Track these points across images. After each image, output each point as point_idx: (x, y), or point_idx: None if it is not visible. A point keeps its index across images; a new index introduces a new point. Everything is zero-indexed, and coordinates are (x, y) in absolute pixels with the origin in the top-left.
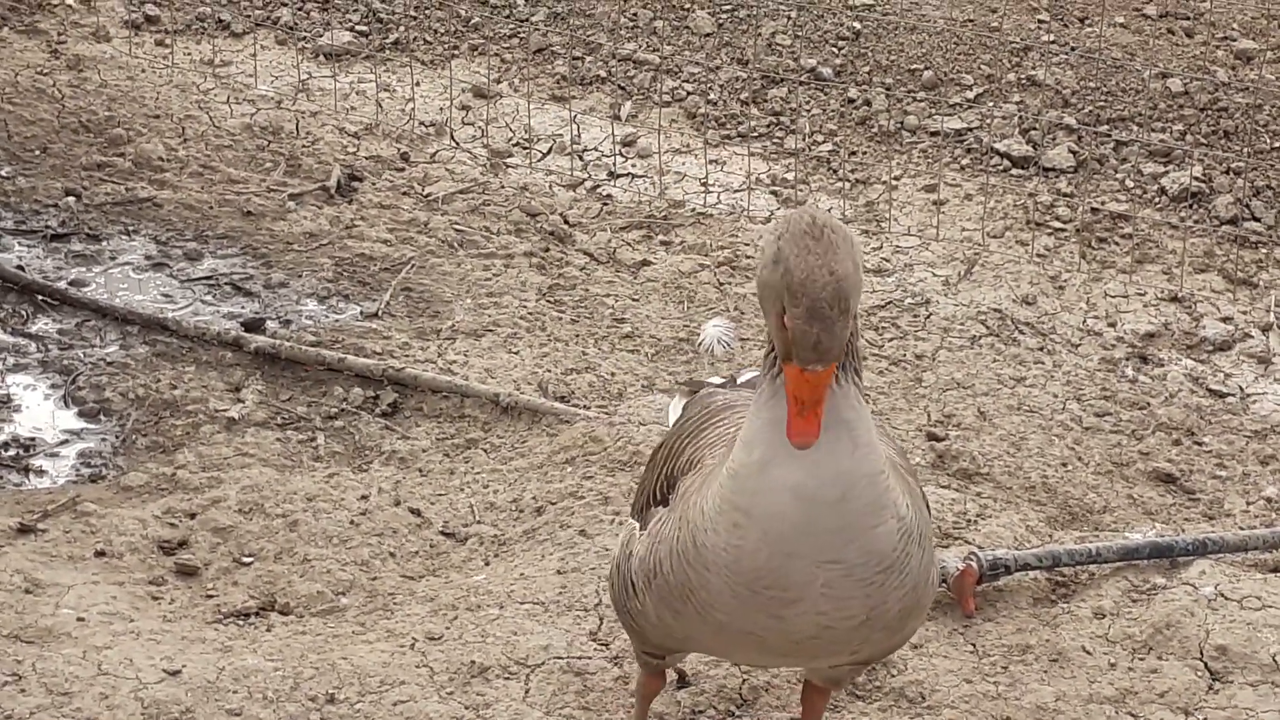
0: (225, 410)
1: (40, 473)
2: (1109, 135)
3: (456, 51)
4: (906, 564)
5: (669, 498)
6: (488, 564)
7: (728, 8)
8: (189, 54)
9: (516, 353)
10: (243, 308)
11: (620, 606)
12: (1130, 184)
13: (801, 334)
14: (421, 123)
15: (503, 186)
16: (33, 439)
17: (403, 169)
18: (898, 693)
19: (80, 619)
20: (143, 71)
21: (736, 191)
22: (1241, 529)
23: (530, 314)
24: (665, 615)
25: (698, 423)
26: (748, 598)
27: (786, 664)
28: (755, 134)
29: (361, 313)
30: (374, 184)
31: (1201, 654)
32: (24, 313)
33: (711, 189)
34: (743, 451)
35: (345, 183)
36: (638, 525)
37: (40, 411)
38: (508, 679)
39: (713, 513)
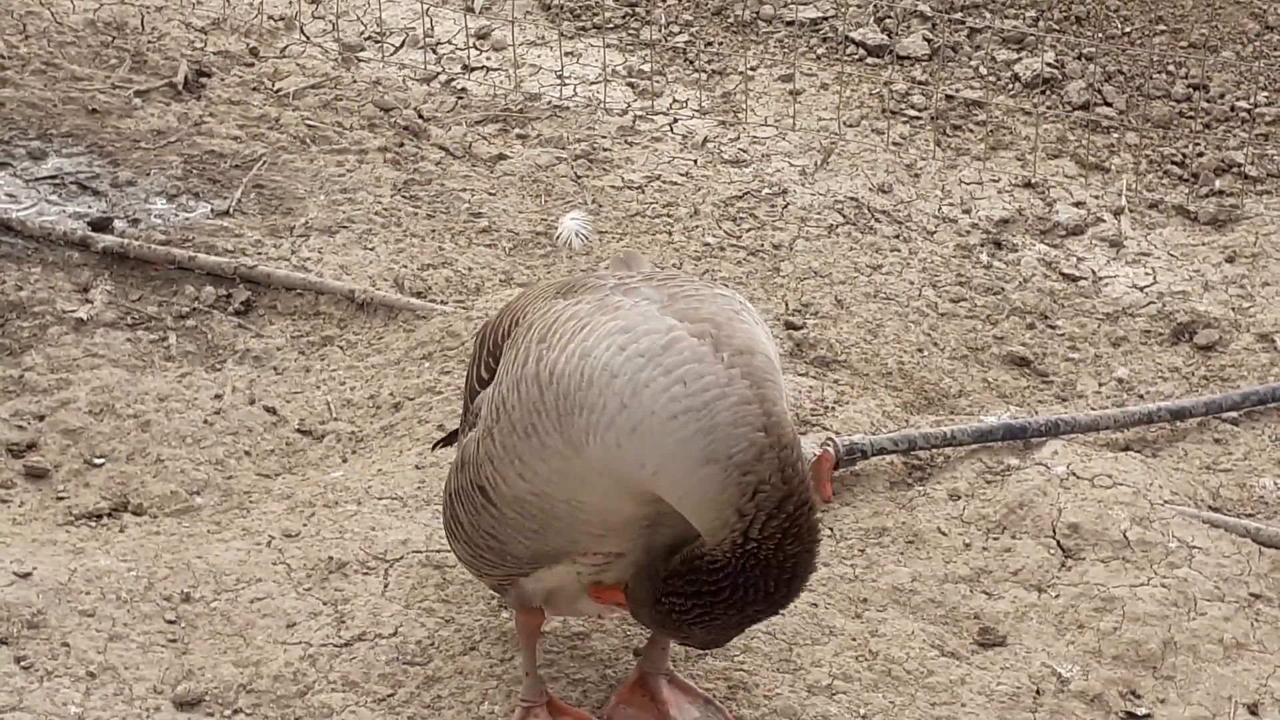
0: (73, 311)
1: None
2: (963, 22)
3: None
4: None
5: (495, 372)
6: (345, 461)
7: None
8: None
9: (372, 249)
10: (90, 207)
11: (471, 534)
12: (984, 71)
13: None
14: (270, 17)
15: (355, 81)
16: None
17: (252, 64)
18: None
19: None
20: None
21: (593, 84)
22: (1093, 410)
23: (385, 210)
24: (513, 478)
25: (499, 313)
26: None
27: (638, 534)
28: (611, 25)
29: (212, 210)
30: (223, 80)
31: (1054, 532)
32: None
33: (567, 81)
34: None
35: (193, 79)
36: (466, 436)
37: None
38: (366, 573)
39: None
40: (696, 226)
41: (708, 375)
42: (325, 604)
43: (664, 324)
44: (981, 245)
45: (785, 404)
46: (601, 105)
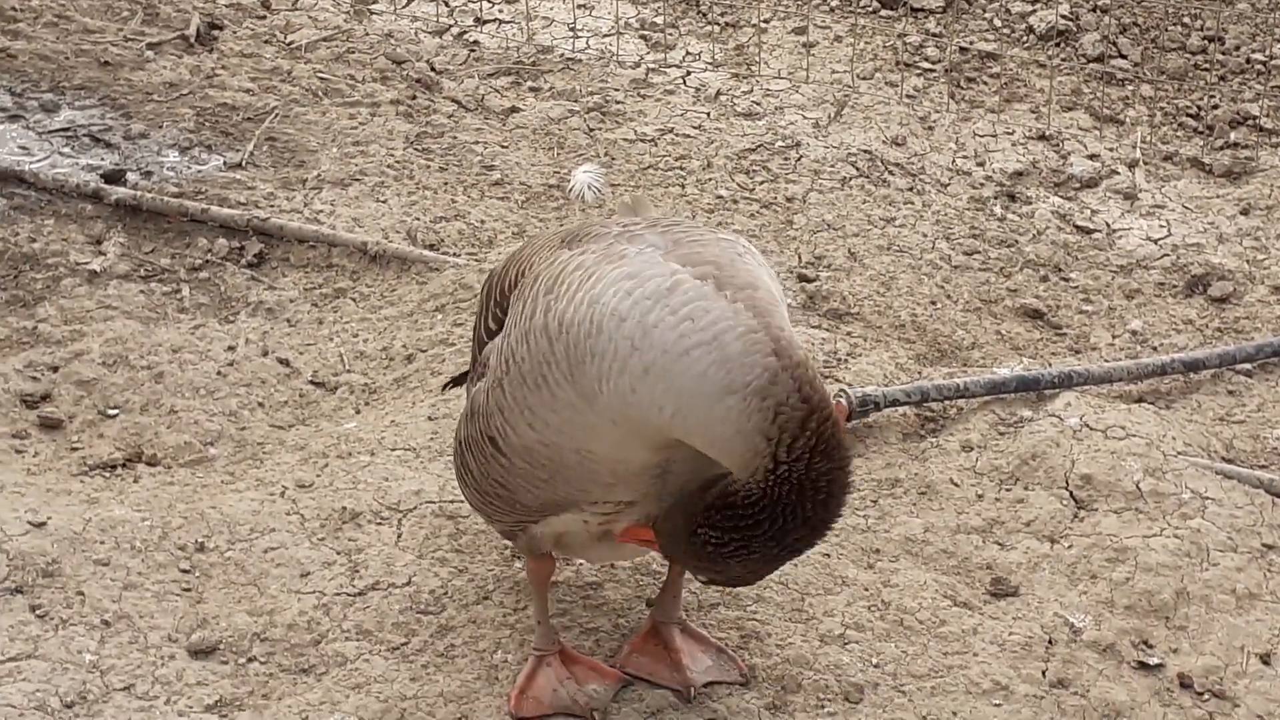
0: (87, 263)
1: None
2: None
3: None
4: None
5: (503, 323)
6: (358, 412)
7: None
8: None
9: (384, 201)
10: (102, 159)
11: (480, 481)
12: (998, 23)
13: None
14: None
15: (367, 34)
16: None
17: (264, 16)
18: None
19: None
20: None
21: (605, 36)
22: (1106, 361)
23: (398, 162)
24: (523, 428)
25: (504, 261)
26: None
27: (649, 484)
28: None
29: (225, 163)
30: (235, 32)
31: (1067, 483)
32: None
33: (580, 34)
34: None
35: (205, 31)
36: (475, 386)
37: None
38: (380, 524)
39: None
40: (709, 179)
41: (713, 310)
42: (339, 554)
43: (668, 268)
44: (995, 198)
45: (791, 331)
46: (614, 58)
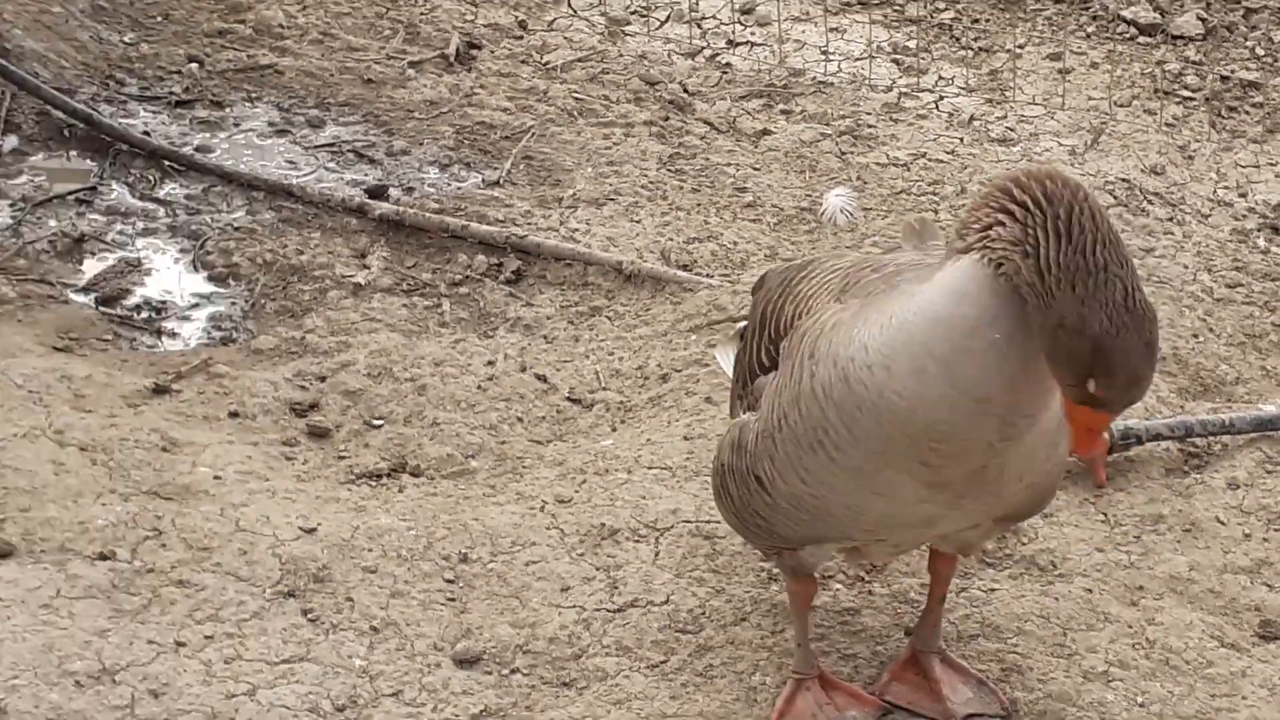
0: (351, 276)
1: (172, 335)
2: (1238, 2)
3: None
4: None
5: (776, 360)
6: (614, 430)
7: None
8: None
9: (638, 221)
10: (366, 175)
11: (740, 509)
12: (1260, 52)
13: (1115, 400)
14: None
15: (621, 55)
16: (164, 302)
17: (521, 37)
18: (1028, 560)
19: (217, 477)
20: None
21: (858, 60)
22: None
23: (651, 183)
24: (794, 481)
25: (781, 287)
26: (903, 444)
27: (916, 531)
28: (876, 1)
29: (483, 180)
30: (492, 52)
31: None
32: (151, 178)
33: (832, 57)
34: (948, 300)
35: (464, 50)
36: (745, 415)
37: (170, 275)
38: (637, 541)
39: (883, 351)
40: (963, 205)
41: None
42: (598, 569)
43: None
44: (1259, 230)
45: None
46: (866, 81)
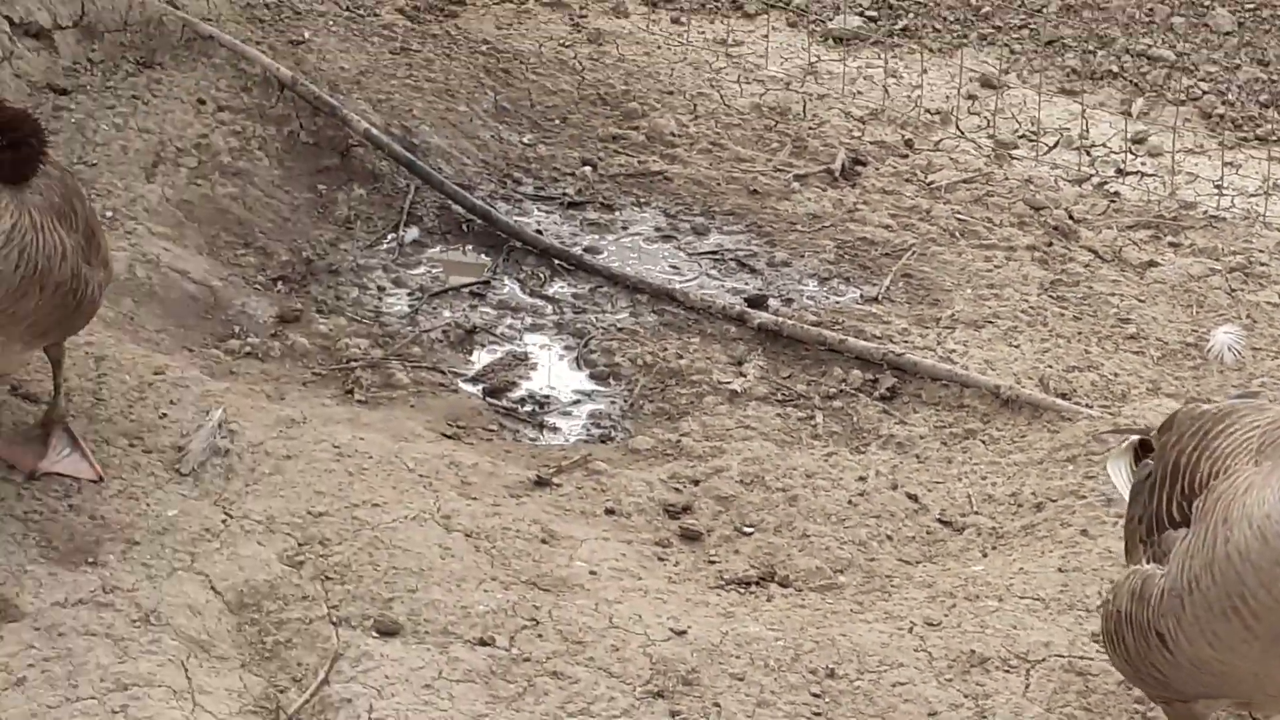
0: (728, 383)
1: (554, 430)
2: None
3: (965, 40)
4: None
5: (1188, 517)
6: (985, 555)
7: (1250, 6)
8: (703, 33)
9: (1016, 346)
10: (746, 283)
11: (1135, 659)
12: None
13: None
14: (927, 110)
15: (1006, 178)
16: (547, 397)
17: (906, 155)
18: None
19: (592, 572)
20: (658, 48)
21: (1252, 196)
22: None
23: (1031, 308)
24: (1200, 645)
25: (1197, 437)
26: None
27: None
28: (1274, 138)
29: (862, 296)
30: (877, 169)
31: None
32: (542, 275)
33: (1225, 192)
34: None
35: (849, 166)
36: (1149, 566)
37: (554, 371)
38: (1007, 672)
39: None
40: None
41: None
42: (966, 697)
43: None
44: None
45: None
46: (1260, 218)
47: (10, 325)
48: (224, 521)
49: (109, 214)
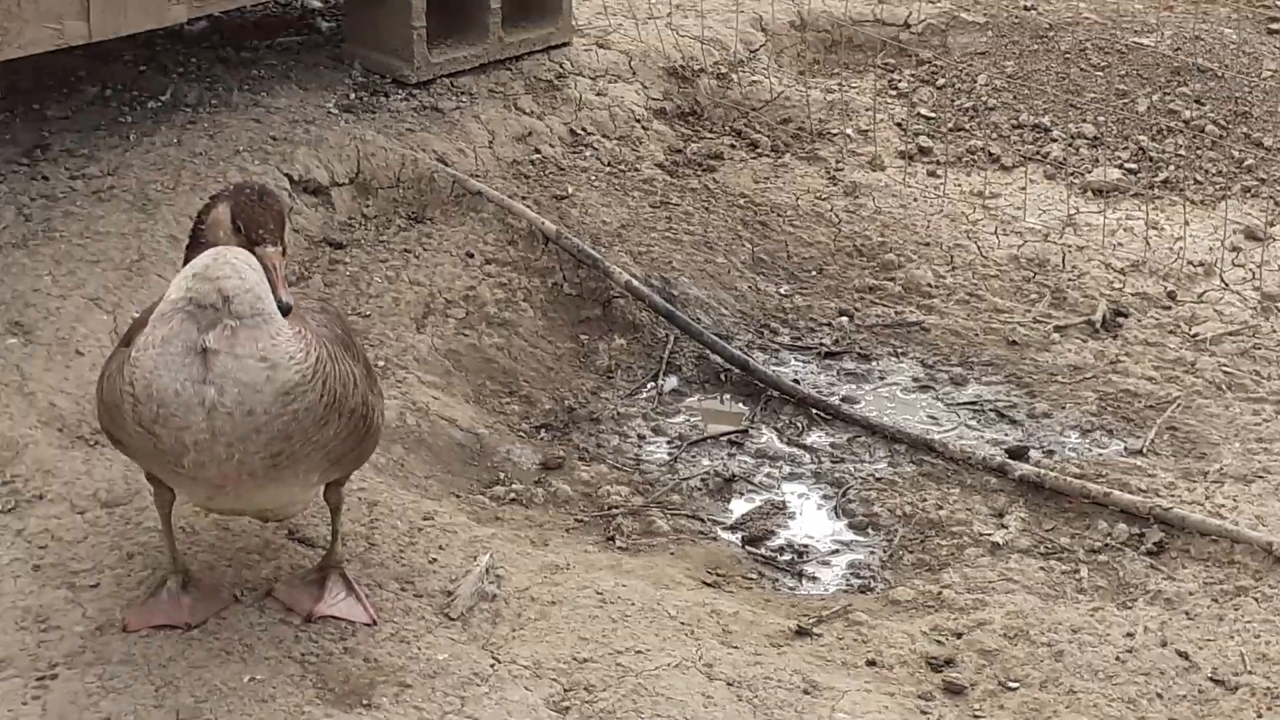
0: (989, 534)
1: (813, 579)
2: None
3: (1228, 192)
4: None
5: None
6: (1260, 715)
7: None
8: (959, 185)
9: None
10: (1006, 434)
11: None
12: None
13: None
14: (1190, 262)
15: (1274, 330)
16: (806, 546)
17: (1169, 307)
18: None
19: None
20: (914, 200)
21: None
22: None
23: None
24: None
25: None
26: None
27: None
28: None
29: (1125, 448)
30: (1139, 320)
31: None
32: (799, 424)
33: None
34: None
35: (1110, 318)
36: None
37: (813, 520)
38: None
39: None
40: None
41: None
42: None
43: None
44: None
45: None
46: None
47: (314, 453)
48: (492, 666)
49: (381, 363)
